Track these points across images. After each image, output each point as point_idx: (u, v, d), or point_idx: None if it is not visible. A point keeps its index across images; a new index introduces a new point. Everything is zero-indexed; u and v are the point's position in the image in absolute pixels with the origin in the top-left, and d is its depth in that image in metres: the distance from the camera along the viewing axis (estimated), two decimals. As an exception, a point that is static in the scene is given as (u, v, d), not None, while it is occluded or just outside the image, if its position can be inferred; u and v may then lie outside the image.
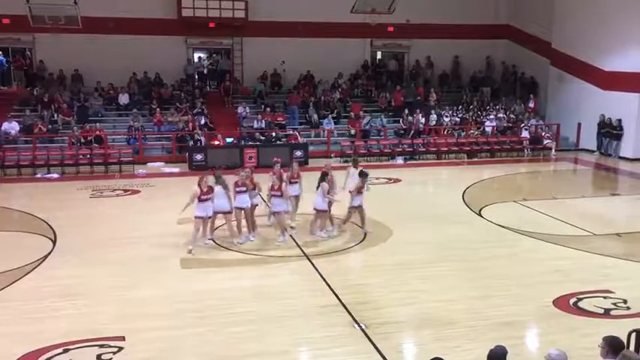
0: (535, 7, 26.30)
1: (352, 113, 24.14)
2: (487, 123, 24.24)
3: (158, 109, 22.86)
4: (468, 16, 26.77)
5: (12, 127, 21.04)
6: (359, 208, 12.11)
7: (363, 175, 12.15)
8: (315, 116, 23.68)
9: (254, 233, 12.06)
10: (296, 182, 12.84)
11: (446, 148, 22.77)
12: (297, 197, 12.85)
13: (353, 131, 23.11)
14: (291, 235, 12.07)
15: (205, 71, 27.22)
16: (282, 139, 22.19)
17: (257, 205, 12.16)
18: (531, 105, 25.44)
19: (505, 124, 24.36)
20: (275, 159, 12.95)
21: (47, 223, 13.13)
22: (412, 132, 23.05)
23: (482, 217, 13.94)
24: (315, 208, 12.02)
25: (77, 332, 7.82)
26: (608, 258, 10.96)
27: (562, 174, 20.90)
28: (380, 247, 11.67)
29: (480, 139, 23.45)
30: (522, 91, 27.06)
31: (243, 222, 11.94)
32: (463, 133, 23.79)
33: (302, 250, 11.33)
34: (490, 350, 5.12)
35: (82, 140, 20.71)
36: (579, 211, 14.36)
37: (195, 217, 11.08)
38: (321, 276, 9.97)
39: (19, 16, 20.98)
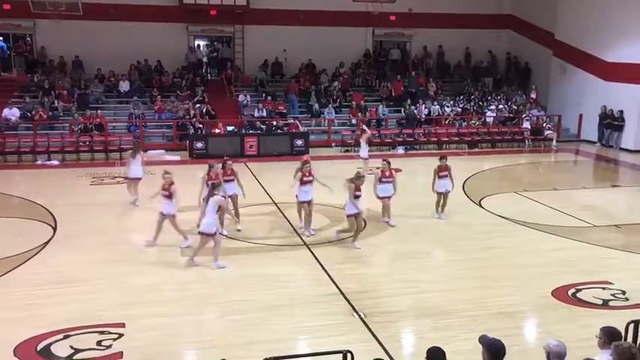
0: (538, -2, 26.20)
1: (354, 103, 24.08)
2: (488, 113, 24.19)
3: (159, 96, 22.83)
4: (471, 5, 26.63)
5: (12, 113, 21.03)
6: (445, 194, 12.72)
7: (442, 159, 12.96)
8: (316, 105, 23.62)
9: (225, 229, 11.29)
10: (308, 182, 11.33)
11: (447, 139, 22.74)
12: (309, 203, 11.50)
13: (354, 120, 23.06)
14: (291, 224, 12.08)
15: (205, 59, 27.11)
16: (283, 128, 22.16)
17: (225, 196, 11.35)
18: (533, 96, 25.37)
19: (506, 115, 24.33)
20: (305, 157, 11.99)
21: (48, 210, 13.15)
22: (405, 121, 22.98)
23: (482, 207, 13.96)
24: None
25: (77, 319, 7.85)
26: (608, 249, 10.97)
27: (563, 165, 20.88)
28: (380, 237, 11.69)
29: (481, 130, 23.41)
30: (518, 78, 27.23)
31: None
32: (464, 124, 23.74)
33: (302, 239, 11.35)
34: (486, 338, 5.11)
35: (82, 127, 20.68)
36: (579, 203, 14.35)
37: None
38: (321, 265, 9.99)
39: (20, 1, 20.91)
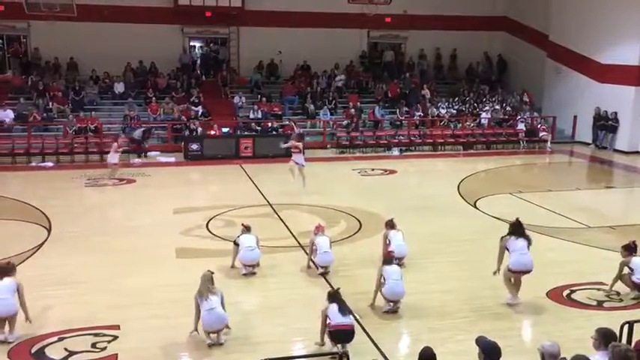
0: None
1: (350, 104, 24.08)
2: (483, 115, 24.24)
3: (154, 98, 22.78)
4: (465, 7, 26.65)
5: (6, 115, 20.94)
6: None
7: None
8: (312, 107, 23.61)
9: None
10: None
11: (442, 140, 22.77)
12: None
13: (345, 122, 22.95)
14: (286, 226, 12.07)
15: (199, 61, 27.04)
16: (279, 130, 22.12)
17: None
18: (526, 99, 25.41)
19: (501, 116, 24.38)
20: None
21: (42, 212, 13.10)
22: (400, 123, 23.00)
23: (477, 208, 13.98)
24: None
25: (72, 321, 7.83)
26: (602, 250, 11.00)
27: (557, 166, 20.95)
28: (375, 239, 11.63)
29: (476, 131, 23.46)
30: (490, 73, 27.74)
31: None
32: (459, 125, 23.78)
33: (297, 241, 11.35)
34: (483, 340, 5.13)
35: (76, 129, 20.62)
36: (574, 204, 14.40)
37: None
38: (316, 266, 9.98)
39: (14, 2, 20.81)
